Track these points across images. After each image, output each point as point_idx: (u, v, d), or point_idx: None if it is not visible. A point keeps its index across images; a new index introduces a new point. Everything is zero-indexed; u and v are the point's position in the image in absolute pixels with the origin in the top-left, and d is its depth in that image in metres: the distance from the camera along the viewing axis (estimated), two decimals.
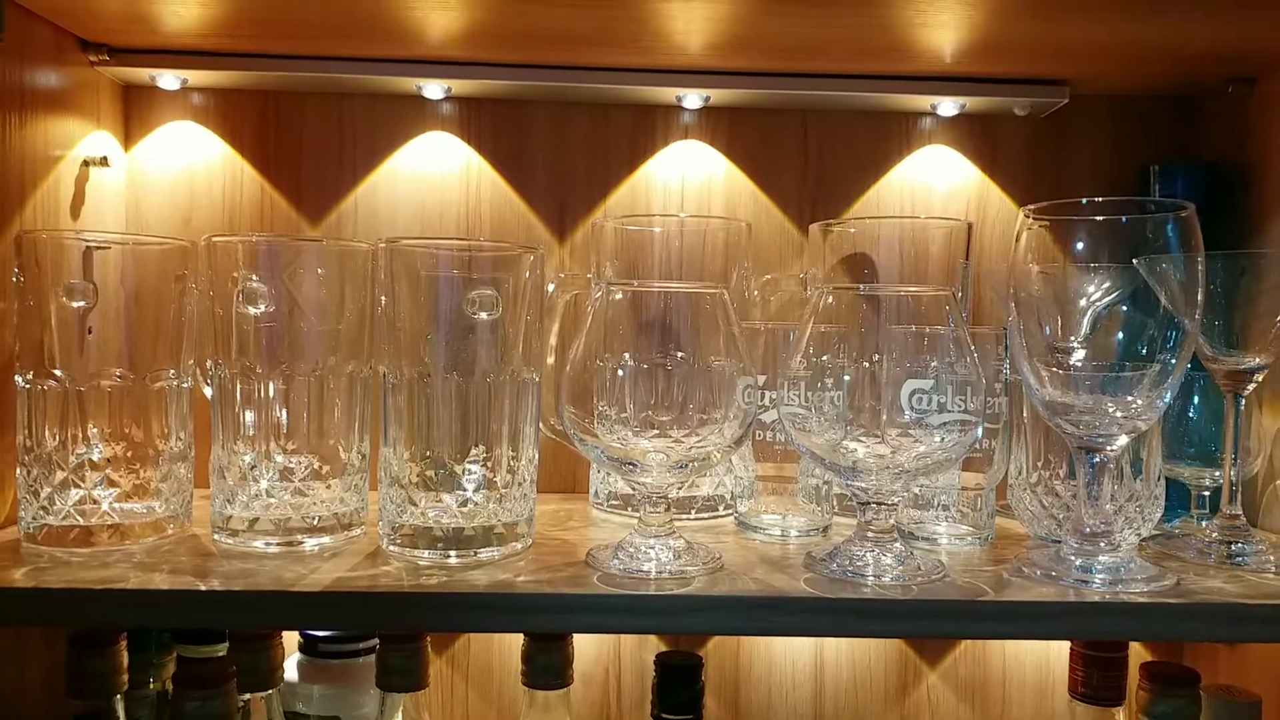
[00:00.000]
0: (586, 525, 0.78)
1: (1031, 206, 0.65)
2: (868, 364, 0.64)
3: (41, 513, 0.66)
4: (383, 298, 0.69)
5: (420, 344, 0.68)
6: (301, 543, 0.67)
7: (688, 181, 0.92)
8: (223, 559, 0.64)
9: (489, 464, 0.67)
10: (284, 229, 0.90)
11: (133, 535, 0.67)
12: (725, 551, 0.68)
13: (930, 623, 0.58)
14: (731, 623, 0.58)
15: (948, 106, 0.89)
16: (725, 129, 0.92)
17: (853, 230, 0.85)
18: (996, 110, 0.91)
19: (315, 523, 0.68)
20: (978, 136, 0.92)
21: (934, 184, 0.93)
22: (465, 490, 0.66)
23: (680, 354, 0.66)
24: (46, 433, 0.66)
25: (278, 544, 0.67)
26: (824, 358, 0.66)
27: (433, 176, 0.91)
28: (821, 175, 0.92)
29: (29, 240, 0.68)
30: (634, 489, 0.67)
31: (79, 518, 0.66)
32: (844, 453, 0.64)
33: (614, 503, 0.82)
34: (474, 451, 0.67)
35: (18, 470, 0.67)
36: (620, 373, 0.66)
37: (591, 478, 0.85)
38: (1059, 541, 0.72)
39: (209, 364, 0.70)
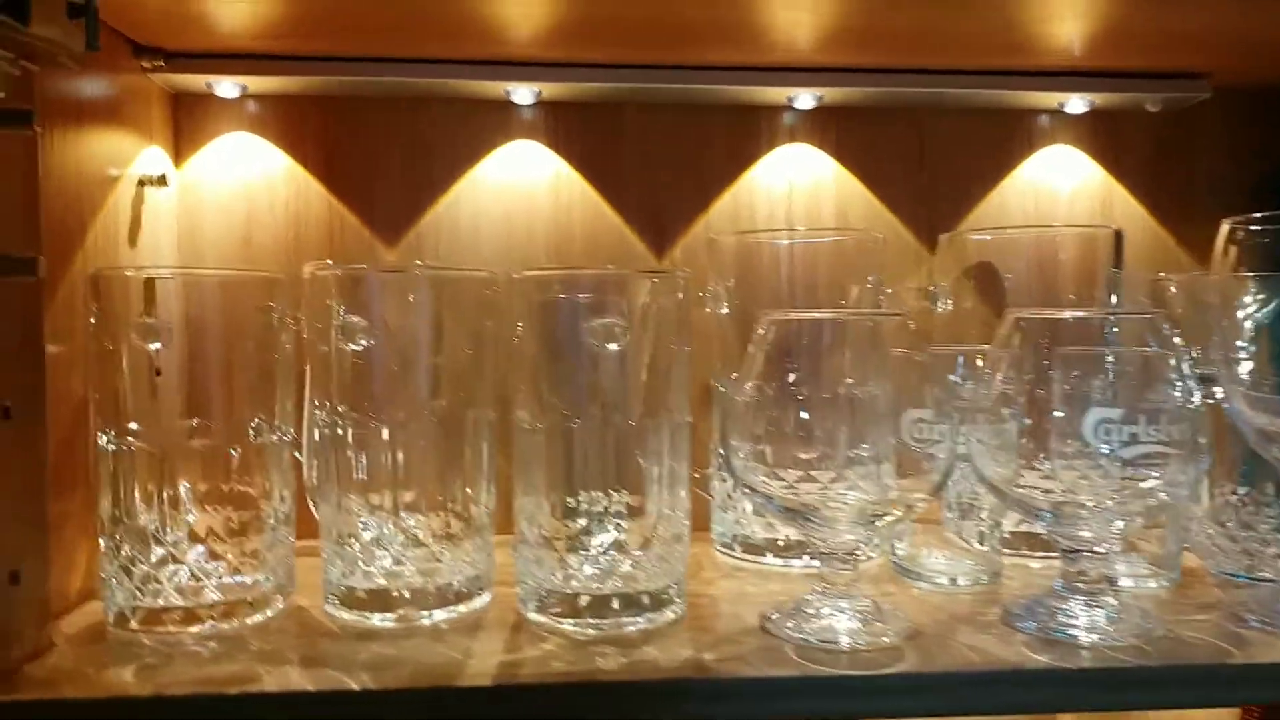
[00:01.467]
0: (724, 576, 0.70)
1: (1239, 217, 0.59)
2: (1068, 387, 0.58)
3: (136, 593, 0.57)
4: (519, 326, 0.61)
5: (557, 382, 0.61)
6: (432, 615, 0.59)
7: (795, 187, 0.84)
8: (353, 641, 0.56)
9: (643, 518, 0.60)
10: (357, 252, 0.81)
11: (239, 613, 0.59)
12: (897, 606, 0.61)
13: (1177, 691, 0.51)
14: (968, 702, 0.51)
15: (1076, 104, 0.83)
16: (835, 130, 0.84)
17: (989, 238, 0.78)
18: (1126, 106, 0.84)
19: (449, 591, 0.60)
20: (1103, 134, 0.86)
21: (1058, 186, 0.86)
22: (621, 549, 0.59)
23: (848, 386, 0.59)
24: (137, 500, 0.58)
25: (407, 618, 0.59)
26: (1008, 386, 0.59)
27: (519, 189, 0.83)
28: (938, 178, 0.85)
29: (106, 280, 0.59)
30: (812, 544, 0.60)
31: (179, 596, 0.57)
32: (1040, 492, 0.58)
33: (747, 547, 0.74)
34: (627, 501, 0.60)
35: (101, 542, 0.59)
36: (788, 408, 0.59)
37: (715, 518, 0.77)
38: (1252, 580, 0.66)
39: (313, 409, 0.62)
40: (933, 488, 0.57)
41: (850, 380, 0.59)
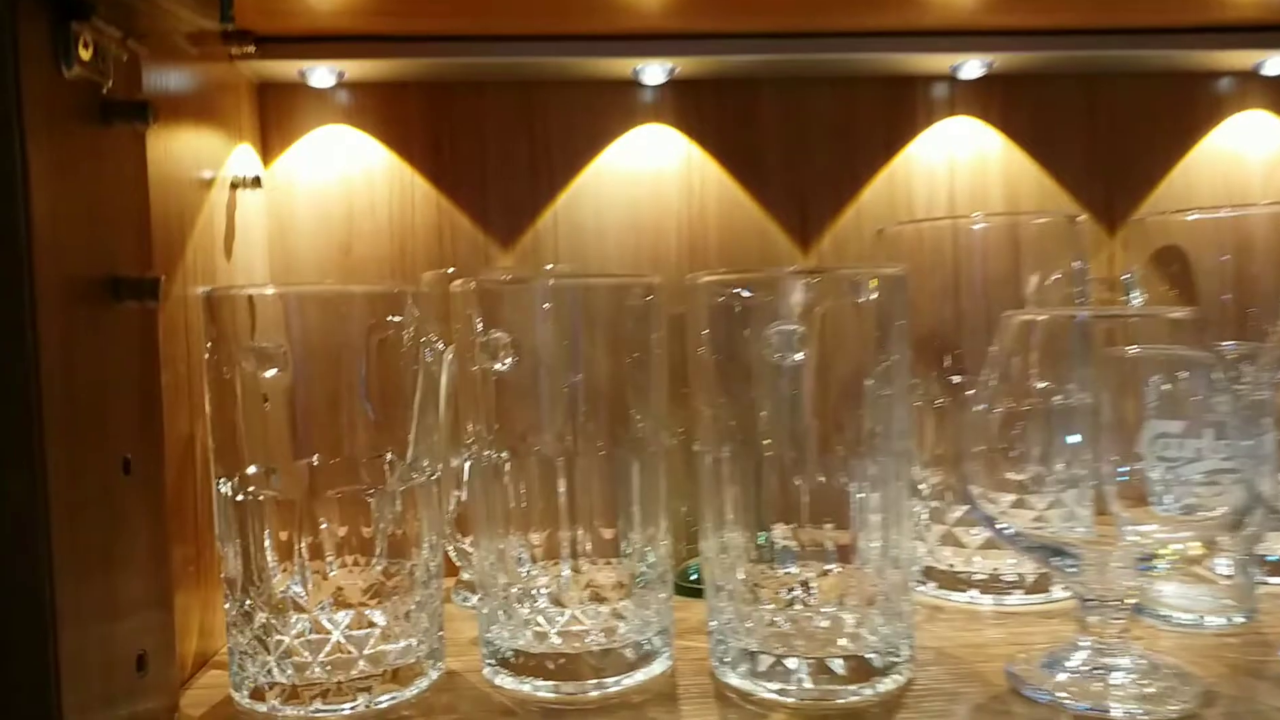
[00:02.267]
0: (928, 619, 0.61)
1: None
2: None
3: (274, 668, 0.49)
4: (701, 346, 0.52)
5: (742, 400, 0.52)
6: (620, 682, 0.50)
7: (957, 165, 0.75)
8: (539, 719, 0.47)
9: (856, 562, 0.51)
10: (469, 256, 0.72)
11: (395, 684, 0.50)
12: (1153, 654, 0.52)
13: None
14: None
15: (1275, 64, 0.73)
16: (999, 101, 0.75)
17: (1193, 218, 0.69)
18: None
19: (635, 652, 0.51)
20: None
21: (1250, 156, 0.77)
22: (831, 598, 0.50)
23: (1121, 398, 0.50)
24: (269, 558, 0.49)
25: (592, 686, 0.50)
26: None
27: (647, 179, 0.74)
28: (1115, 151, 0.76)
29: (219, 301, 0.50)
30: (1071, 589, 0.50)
31: (326, 671, 0.49)
32: None
33: (944, 582, 0.65)
34: (834, 540, 0.51)
35: (228, 607, 0.50)
36: (1042, 424, 0.50)
37: None
38: None
39: (463, 440, 0.54)
40: (1227, 521, 0.48)
41: (1121, 392, 0.50)
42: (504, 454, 0.52)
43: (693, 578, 0.66)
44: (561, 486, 0.52)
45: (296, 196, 0.72)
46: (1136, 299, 0.71)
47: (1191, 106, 0.76)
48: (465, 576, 0.65)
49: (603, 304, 0.54)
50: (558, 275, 0.63)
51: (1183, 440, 0.51)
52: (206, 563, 0.55)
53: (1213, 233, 0.69)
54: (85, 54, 0.39)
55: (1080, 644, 0.49)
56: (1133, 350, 0.54)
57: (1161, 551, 0.48)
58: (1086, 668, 0.48)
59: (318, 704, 0.48)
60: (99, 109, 0.41)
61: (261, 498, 0.49)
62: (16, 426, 0.36)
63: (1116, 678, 0.47)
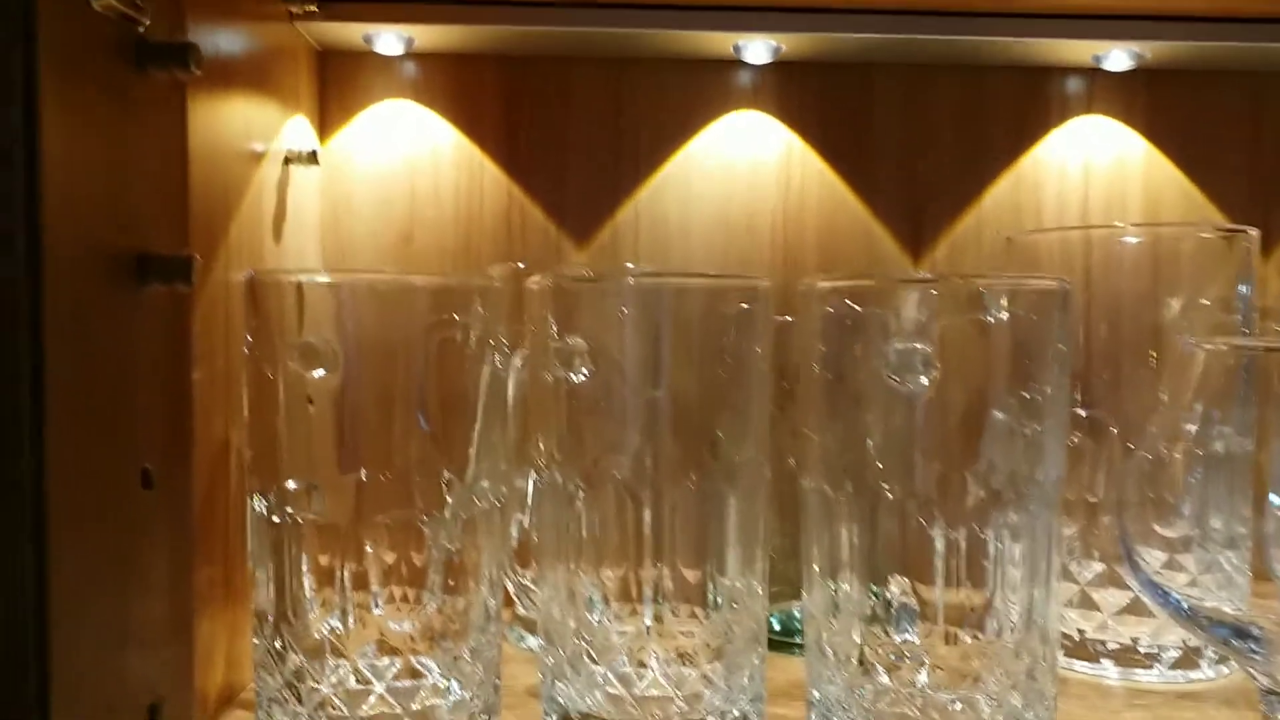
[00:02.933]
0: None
1: None
2: None
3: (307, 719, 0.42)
4: (815, 366, 0.44)
5: (858, 429, 0.44)
6: None
7: (1093, 169, 0.67)
8: None
9: (991, 626, 0.43)
10: (539, 250, 0.65)
11: None
12: None
13: None
14: None
15: None
16: (1144, 98, 0.66)
17: None
18: None
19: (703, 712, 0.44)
20: None
21: None
22: (958, 669, 0.42)
23: None
24: (306, 592, 0.42)
25: None
26: None
27: (740, 171, 0.66)
28: (1272, 152, 0.67)
29: (265, 287, 0.44)
30: (1256, 679, 0.42)
31: None
32: None
33: (1063, 646, 0.57)
34: (967, 601, 0.43)
35: (256, 643, 0.43)
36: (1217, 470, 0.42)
37: None
38: None
39: (538, 459, 0.46)
40: None
41: None
42: (577, 478, 0.45)
43: (775, 628, 0.58)
44: (644, 518, 0.44)
45: (354, 177, 0.65)
46: None
47: None
48: (522, 612, 0.58)
49: (697, 309, 0.47)
50: (643, 274, 0.56)
51: None
52: (237, 585, 0.49)
53: None
54: None
55: None
56: None
57: None
58: None
59: None
60: (133, 51, 0.35)
61: (301, 520, 0.42)
62: (10, 427, 0.29)
63: None
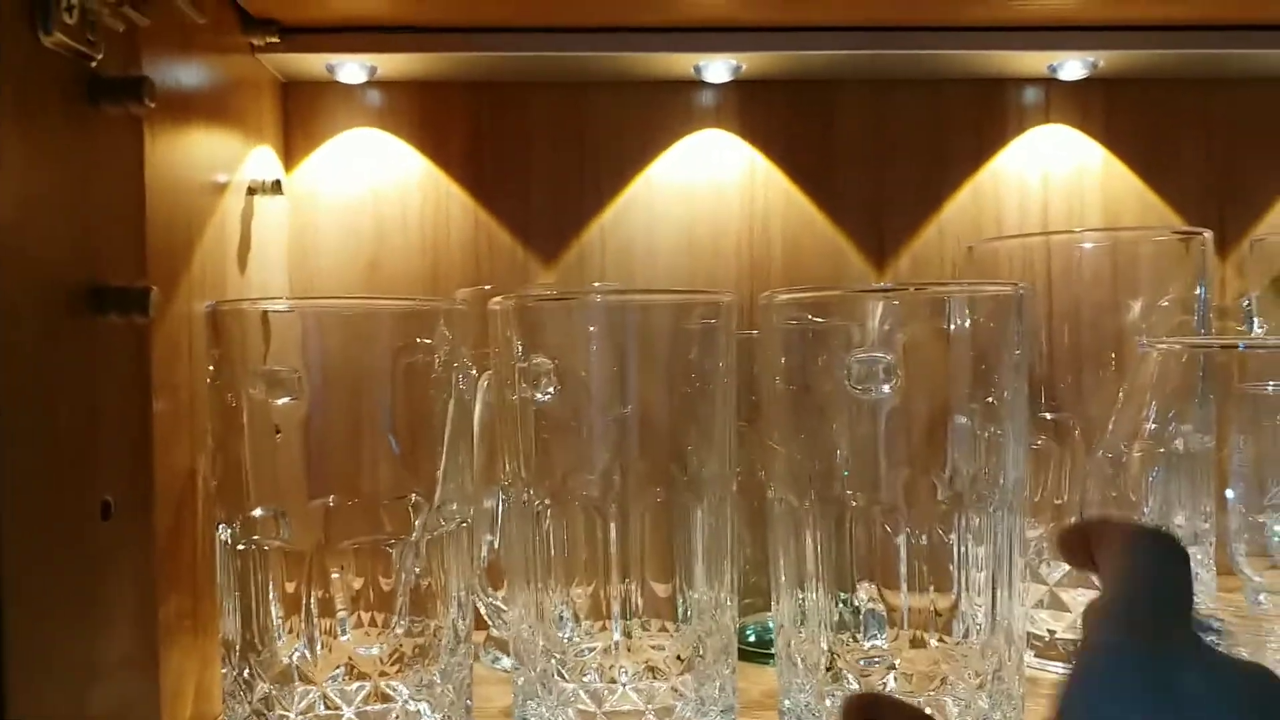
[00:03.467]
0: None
1: None
2: None
3: None
4: (777, 379, 0.45)
5: (821, 440, 0.44)
6: None
7: (1052, 178, 0.67)
8: None
9: (968, 638, 0.43)
10: (507, 274, 0.66)
11: None
12: None
13: None
14: None
15: None
16: (1100, 106, 0.67)
17: None
18: None
19: None
20: None
21: None
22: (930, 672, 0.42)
23: None
24: (274, 619, 0.42)
25: None
26: None
27: (704, 192, 0.67)
28: (1234, 166, 0.68)
29: (226, 316, 0.44)
30: None
31: None
32: None
33: (1034, 646, 0.57)
34: (934, 604, 0.43)
35: (224, 672, 0.43)
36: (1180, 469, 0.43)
37: None
38: None
39: (500, 482, 0.47)
40: None
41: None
42: (545, 496, 0.45)
43: (750, 639, 0.58)
44: (611, 535, 0.44)
45: (320, 206, 0.66)
46: (1257, 329, 0.63)
47: None
48: (496, 634, 0.58)
49: (661, 325, 0.47)
50: (607, 291, 0.56)
51: None
52: (205, 614, 0.49)
53: None
54: (69, 18, 0.33)
55: None
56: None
57: None
58: None
59: None
60: (86, 86, 0.35)
61: (267, 548, 0.42)
62: None
63: None
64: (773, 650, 0.57)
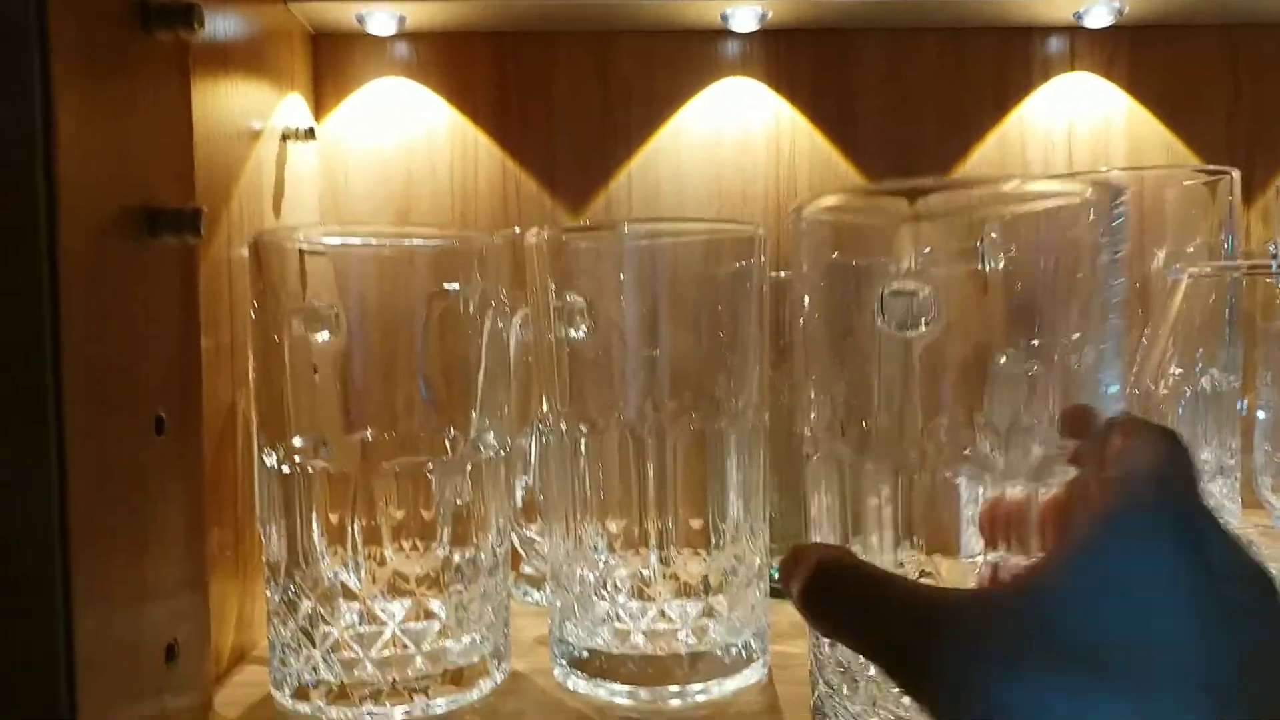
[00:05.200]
0: None
1: None
2: None
3: (321, 664, 0.43)
4: (806, 300, 0.45)
5: (857, 379, 0.45)
6: (722, 686, 0.44)
7: (1076, 127, 0.68)
8: None
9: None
10: (534, 222, 0.66)
11: (455, 685, 0.44)
12: None
13: None
14: None
15: None
16: (1126, 54, 0.67)
17: None
18: None
19: (727, 655, 0.45)
20: None
21: None
22: None
23: None
24: (317, 539, 0.43)
25: (661, 693, 0.43)
26: None
27: (730, 139, 0.67)
28: (1259, 111, 0.68)
29: (269, 250, 0.45)
30: None
31: (380, 669, 0.43)
32: None
33: None
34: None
35: (269, 594, 0.44)
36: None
37: None
38: None
39: (535, 415, 0.48)
40: None
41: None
42: (582, 428, 0.46)
43: (777, 579, 0.59)
44: (647, 466, 0.45)
45: (350, 155, 0.67)
46: None
47: None
48: (527, 570, 0.59)
49: (696, 259, 0.48)
50: (641, 222, 0.56)
51: None
52: (246, 548, 0.50)
53: None
54: None
55: None
56: None
57: None
58: None
59: (369, 706, 0.42)
60: (138, 12, 0.36)
61: (310, 470, 0.43)
62: (32, 375, 0.30)
63: None
64: None
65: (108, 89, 0.35)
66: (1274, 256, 0.62)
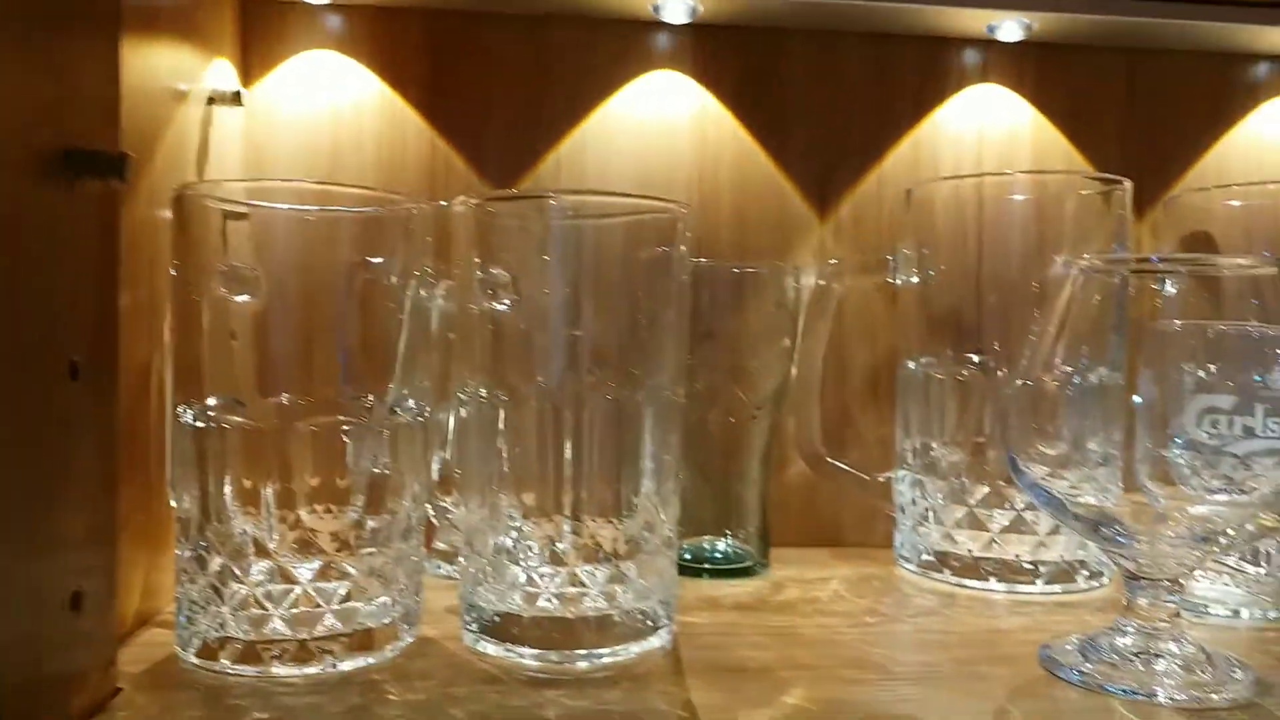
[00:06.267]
0: (949, 605, 0.57)
1: None
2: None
3: (229, 621, 0.43)
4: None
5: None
6: (626, 650, 0.45)
7: (986, 135, 0.71)
8: (530, 690, 0.42)
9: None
10: None
11: (364, 648, 0.44)
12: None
13: None
14: None
15: None
16: (1033, 70, 0.71)
17: (1238, 204, 0.65)
18: None
19: (635, 621, 0.46)
20: None
21: None
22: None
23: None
24: (229, 496, 0.43)
25: (569, 656, 0.45)
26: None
27: (657, 130, 0.69)
28: (1151, 131, 0.72)
29: (191, 204, 0.45)
30: (1120, 565, 0.46)
31: (289, 626, 0.43)
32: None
33: (951, 566, 0.60)
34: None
35: (179, 551, 0.44)
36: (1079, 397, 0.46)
37: (900, 532, 0.64)
38: None
39: (456, 384, 0.48)
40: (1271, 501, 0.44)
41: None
42: (502, 396, 0.47)
43: (687, 558, 0.61)
44: (564, 435, 0.46)
45: (277, 124, 0.66)
46: (1169, 288, 0.67)
47: (1230, 89, 0.73)
48: (440, 545, 0.60)
49: (620, 238, 0.49)
50: (567, 192, 0.56)
51: (1231, 417, 0.47)
52: (157, 515, 0.49)
53: (1249, 217, 0.65)
54: None
55: (1124, 628, 0.45)
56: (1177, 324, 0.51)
57: (1226, 528, 0.43)
58: (1133, 651, 0.44)
59: (276, 665, 0.42)
60: None
61: (226, 425, 0.43)
62: None
63: (1162, 665, 0.43)
64: (706, 566, 0.60)
65: (36, 37, 0.34)
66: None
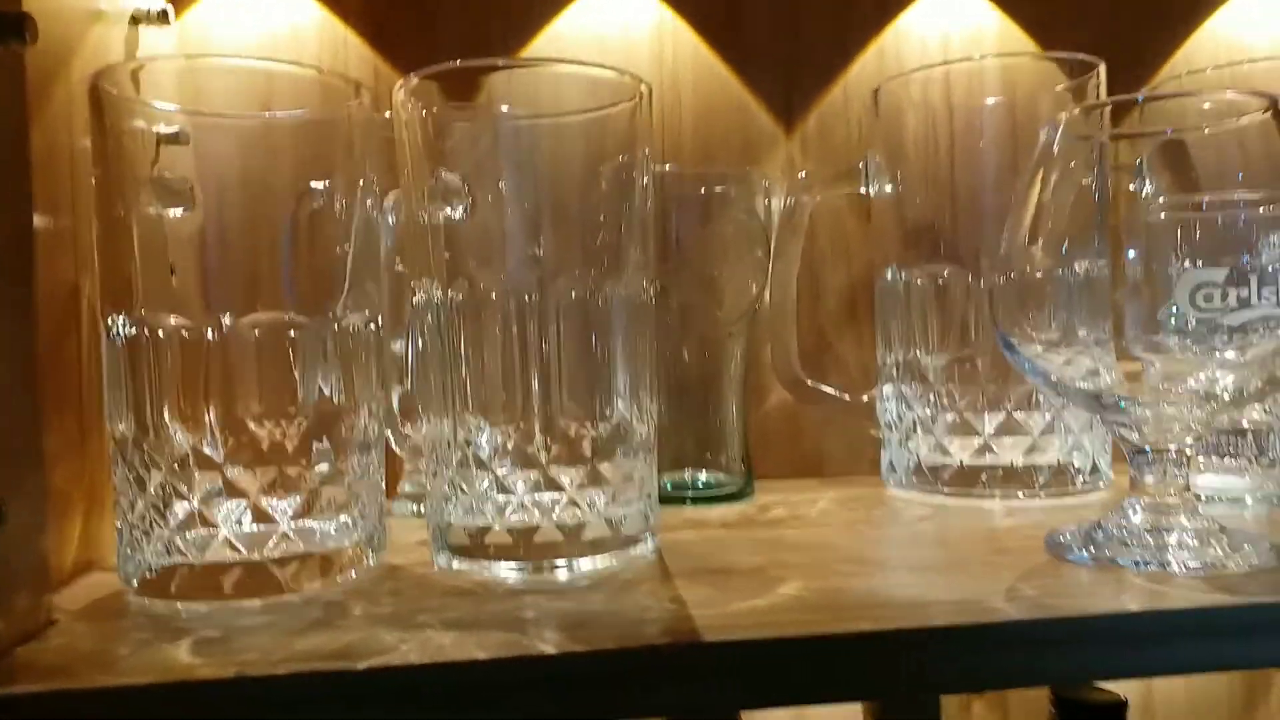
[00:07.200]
0: (922, 519, 0.54)
1: None
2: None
3: (173, 545, 0.39)
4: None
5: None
6: (567, 566, 0.42)
7: (951, 38, 0.69)
8: (503, 599, 0.39)
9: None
10: None
11: (330, 571, 0.41)
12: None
13: None
14: None
15: None
16: None
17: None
18: None
19: (620, 530, 0.43)
20: None
21: (1257, 41, 0.72)
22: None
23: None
24: (167, 410, 0.39)
25: (543, 565, 0.41)
26: None
27: (612, 46, 0.66)
28: (1119, 31, 0.70)
29: (111, 101, 0.41)
30: (1123, 442, 0.44)
31: (237, 550, 0.39)
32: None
33: (942, 478, 0.58)
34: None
35: (117, 473, 0.40)
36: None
37: (887, 450, 0.61)
38: None
39: (417, 297, 0.45)
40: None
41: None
42: (458, 297, 0.43)
43: (668, 488, 0.58)
44: (528, 334, 0.43)
45: (211, 50, 0.62)
46: (1148, 187, 0.66)
47: None
48: (408, 488, 0.57)
49: (576, 123, 0.46)
50: (516, 65, 0.52)
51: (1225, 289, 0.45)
52: (93, 457, 0.45)
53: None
54: None
55: (1133, 507, 0.43)
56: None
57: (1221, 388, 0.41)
58: (1144, 528, 0.42)
59: (232, 597, 0.39)
60: None
61: (161, 333, 0.40)
62: None
63: (1175, 538, 0.41)
64: (688, 494, 0.57)
65: None
66: (1140, 167, 0.64)
